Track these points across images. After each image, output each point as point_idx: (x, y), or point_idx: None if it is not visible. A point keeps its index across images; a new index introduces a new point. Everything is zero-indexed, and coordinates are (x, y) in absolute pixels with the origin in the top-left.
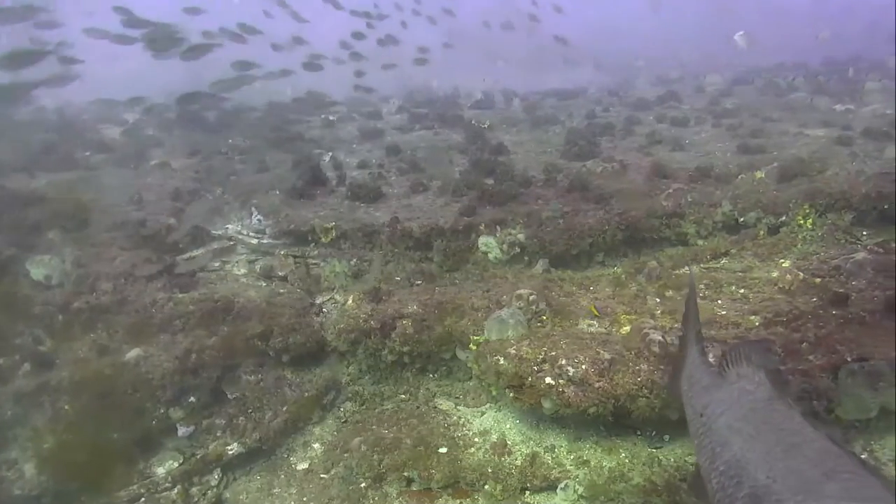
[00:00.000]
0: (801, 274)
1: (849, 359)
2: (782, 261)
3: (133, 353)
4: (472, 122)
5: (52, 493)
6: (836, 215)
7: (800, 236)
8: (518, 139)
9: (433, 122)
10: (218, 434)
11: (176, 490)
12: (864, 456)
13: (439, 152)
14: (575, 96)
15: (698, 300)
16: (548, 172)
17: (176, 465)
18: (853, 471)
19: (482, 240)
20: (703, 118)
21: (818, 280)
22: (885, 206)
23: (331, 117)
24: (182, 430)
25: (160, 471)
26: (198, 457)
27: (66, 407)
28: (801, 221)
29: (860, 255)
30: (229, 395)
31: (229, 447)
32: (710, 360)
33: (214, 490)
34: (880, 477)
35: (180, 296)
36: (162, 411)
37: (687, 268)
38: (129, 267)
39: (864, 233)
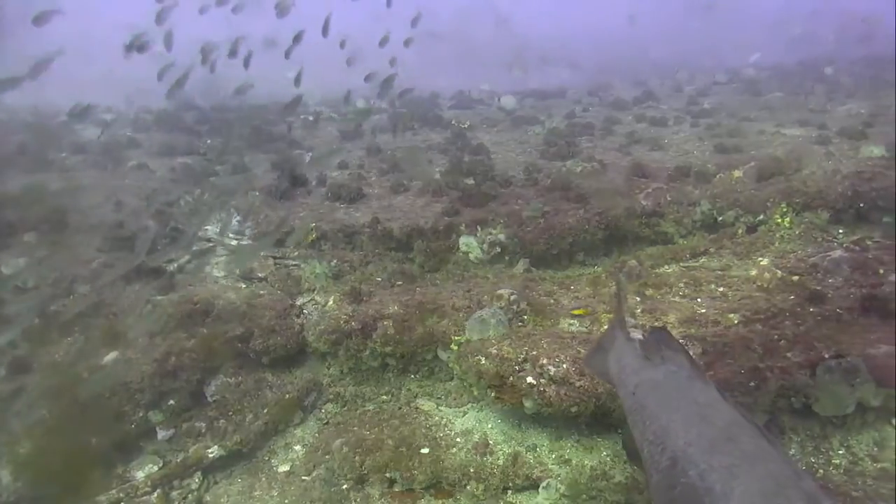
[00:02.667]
0: (779, 272)
1: (826, 356)
2: (760, 259)
3: (111, 357)
4: (453, 122)
5: (29, 500)
6: (813, 214)
7: (777, 235)
8: (498, 139)
9: (413, 123)
10: (198, 437)
11: (156, 494)
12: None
13: (418, 153)
14: (554, 96)
15: (679, 298)
16: (528, 172)
17: (156, 468)
18: (751, 434)
19: (463, 240)
20: (681, 118)
21: (796, 278)
22: (861, 205)
23: (310, 118)
24: (161, 434)
25: (140, 475)
26: (178, 460)
27: (44, 411)
28: (779, 220)
29: (837, 253)
30: (209, 398)
31: (210, 450)
32: (637, 345)
33: (195, 493)
34: (771, 438)
35: (159, 298)
36: (141, 415)
37: (668, 266)
38: (106, 269)
39: (841, 231)
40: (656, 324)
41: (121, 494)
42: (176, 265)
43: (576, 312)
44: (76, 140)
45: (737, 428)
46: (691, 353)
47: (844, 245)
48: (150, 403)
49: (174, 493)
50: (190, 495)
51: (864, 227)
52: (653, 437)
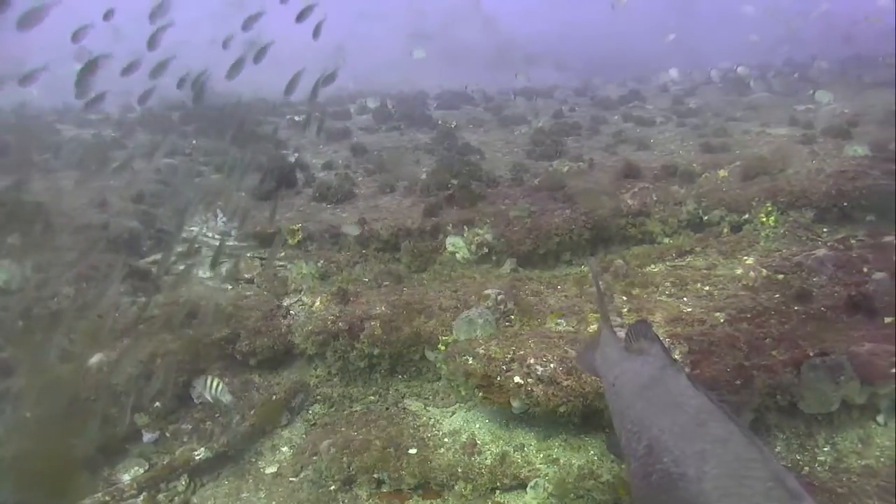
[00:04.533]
0: (765, 271)
1: (811, 354)
2: (746, 258)
3: (95, 359)
4: (440, 122)
5: None
6: (798, 213)
7: (762, 234)
8: (485, 139)
9: (400, 123)
10: (184, 439)
11: (142, 497)
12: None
13: (404, 153)
14: (542, 96)
15: (666, 298)
16: (515, 172)
17: (142, 471)
18: (720, 420)
19: (450, 240)
20: (668, 118)
21: (781, 276)
22: (845, 204)
23: (296, 118)
24: (147, 436)
25: (126, 478)
26: (164, 463)
27: (27, 414)
28: (764, 219)
29: (821, 252)
30: (195, 400)
31: (196, 452)
32: (619, 337)
33: (182, 496)
34: (739, 424)
35: (144, 300)
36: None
37: (654, 266)
38: (90, 271)
39: (825, 230)
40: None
41: (106, 498)
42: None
43: (553, 316)
44: (59, 140)
45: (706, 414)
46: (677, 351)
47: (828, 244)
48: (136, 406)
49: (161, 496)
50: (177, 498)
51: (847, 226)
52: (630, 426)
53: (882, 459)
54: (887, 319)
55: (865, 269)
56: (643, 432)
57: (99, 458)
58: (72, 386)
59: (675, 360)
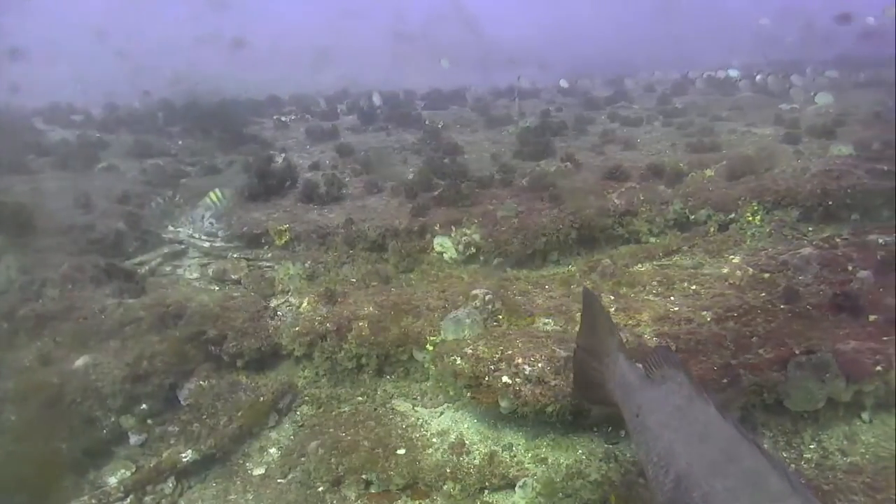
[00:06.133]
0: (751, 269)
1: (797, 352)
2: (732, 257)
3: (81, 361)
4: (427, 122)
5: None
6: (783, 212)
7: (748, 233)
8: (472, 139)
9: (387, 123)
10: (171, 441)
11: (129, 500)
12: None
13: (389, 153)
14: (528, 96)
15: (653, 297)
16: (502, 172)
17: (128, 474)
18: (752, 454)
19: (437, 240)
20: (653, 117)
21: (767, 275)
22: (830, 203)
23: (283, 118)
24: (134, 439)
25: (112, 480)
26: (151, 465)
27: (12, 417)
28: (750, 218)
29: (806, 251)
30: (182, 402)
31: (183, 454)
32: (638, 366)
33: (169, 498)
34: (771, 458)
35: (130, 301)
36: (113, 419)
37: (641, 265)
38: (76, 273)
39: (810, 228)
40: (630, 322)
41: (93, 501)
42: (147, 268)
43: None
44: (43, 141)
45: (737, 447)
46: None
47: (813, 242)
48: (122, 408)
49: (148, 499)
50: (164, 500)
51: (832, 225)
52: (657, 459)
53: (867, 457)
54: (872, 317)
55: (850, 268)
56: (671, 465)
57: (84, 461)
58: (57, 388)
59: (701, 389)
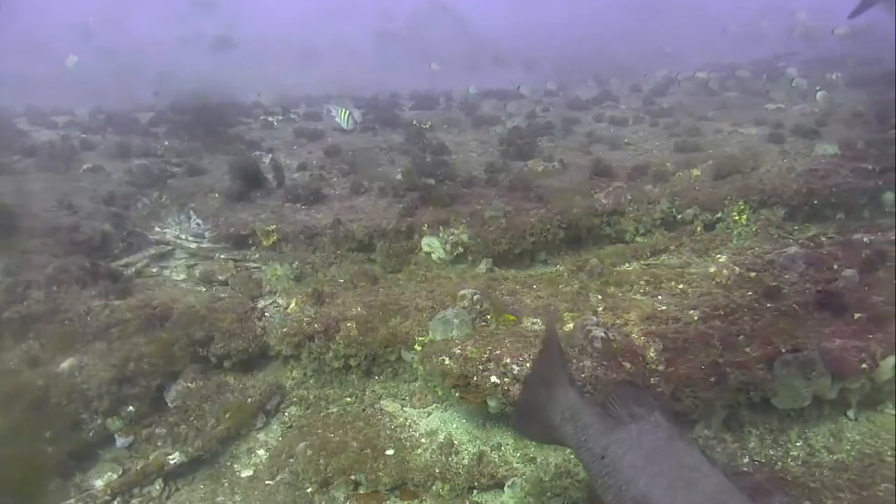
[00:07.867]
0: (737, 268)
1: (783, 350)
2: (719, 256)
3: (67, 363)
4: (414, 122)
5: None
6: (769, 211)
7: (735, 232)
8: (459, 139)
9: (374, 124)
10: (158, 443)
11: (115, 502)
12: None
13: (377, 154)
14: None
15: (640, 296)
16: (490, 172)
17: (115, 476)
18: (741, 502)
19: (425, 240)
20: (640, 117)
21: (753, 274)
22: (815, 202)
23: (269, 118)
24: (120, 441)
25: (98, 483)
26: (138, 467)
27: None
28: (737, 217)
29: (792, 250)
30: (169, 404)
31: (171, 456)
32: (591, 404)
33: (156, 501)
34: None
35: (116, 303)
36: (99, 422)
37: (628, 264)
38: (61, 274)
39: (796, 227)
40: (618, 322)
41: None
42: (133, 269)
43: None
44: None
45: (724, 494)
46: (652, 349)
47: (799, 241)
48: (109, 410)
49: (134, 501)
50: (151, 503)
51: (818, 224)
52: None
53: (853, 454)
54: (857, 315)
55: (835, 266)
56: None
57: (70, 464)
58: (42, 391)
59: (682, 429)
